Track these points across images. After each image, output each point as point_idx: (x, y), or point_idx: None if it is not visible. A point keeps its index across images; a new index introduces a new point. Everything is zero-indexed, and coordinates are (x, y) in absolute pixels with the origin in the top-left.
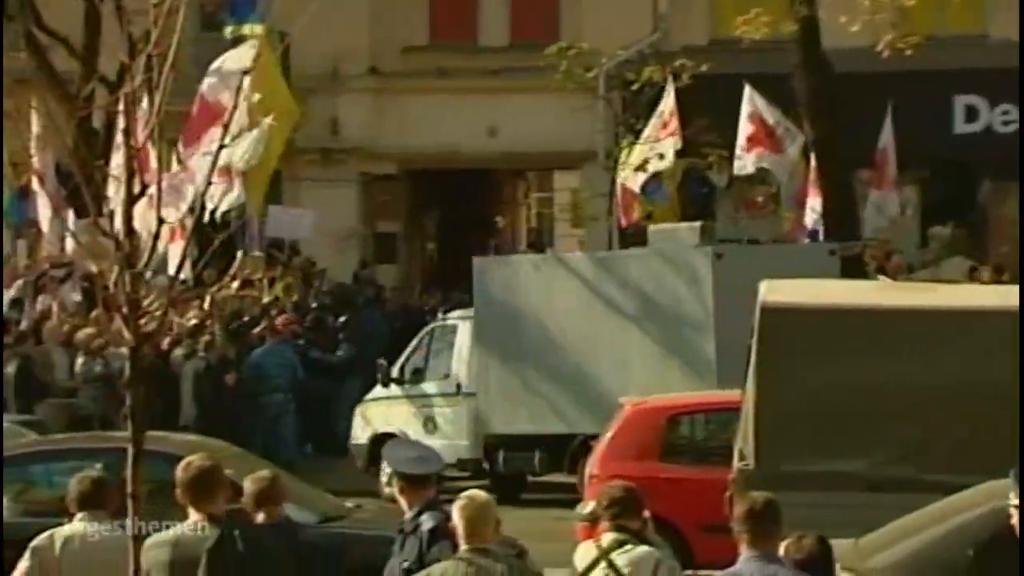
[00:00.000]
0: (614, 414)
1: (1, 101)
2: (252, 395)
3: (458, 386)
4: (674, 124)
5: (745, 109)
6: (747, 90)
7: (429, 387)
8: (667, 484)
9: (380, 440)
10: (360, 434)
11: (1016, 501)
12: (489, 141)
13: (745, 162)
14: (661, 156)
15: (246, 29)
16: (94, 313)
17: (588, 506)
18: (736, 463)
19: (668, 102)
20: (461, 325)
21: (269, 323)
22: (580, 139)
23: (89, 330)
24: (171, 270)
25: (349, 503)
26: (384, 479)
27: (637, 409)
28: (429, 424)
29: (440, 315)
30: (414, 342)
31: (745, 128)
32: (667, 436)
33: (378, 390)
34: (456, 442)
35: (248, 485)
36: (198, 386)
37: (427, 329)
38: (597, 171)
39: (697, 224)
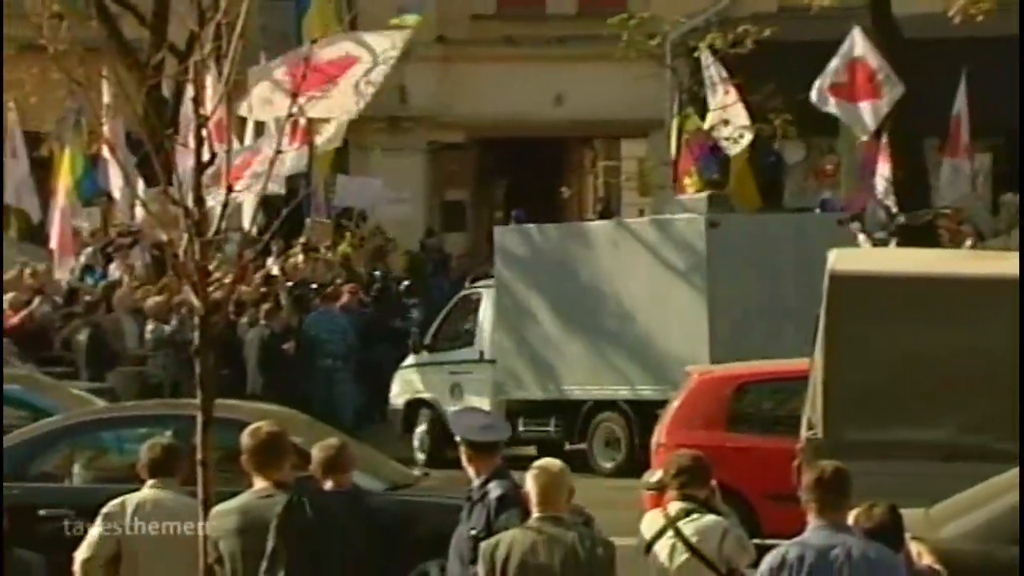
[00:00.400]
0: (681, 382)
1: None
2: (308, 362)
3: (481, 353)
4: (732, 93)
5: (844, 50)
6: (855, 32)
7: (455, 354)
8: (734, 453)
9: (414, 405)
10: (396, 400)
11: None
12: (556, 109)
13: (822, 101)
14: (726, 122)
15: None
16: (164, 280)
17: (655, 475)
18: (804, 432)
19: (717, 70)
20: (486, 294)
21: (327, 290)
22: (647, 107)
23: (158, 298)
24: (245, 223)
25: (416, 471)
26: (416, 444)
27: (704, 378)
28: (456, 390)
29: (467, 284)
30: (444, 310)
31: (836, 71)
32: (735, 405)
33: (413, 357)
34: (475, 411)
35: (316, 452)
36: (263, 354)
37: (456, 297)
38: (663, 139)
39: (704, 194)
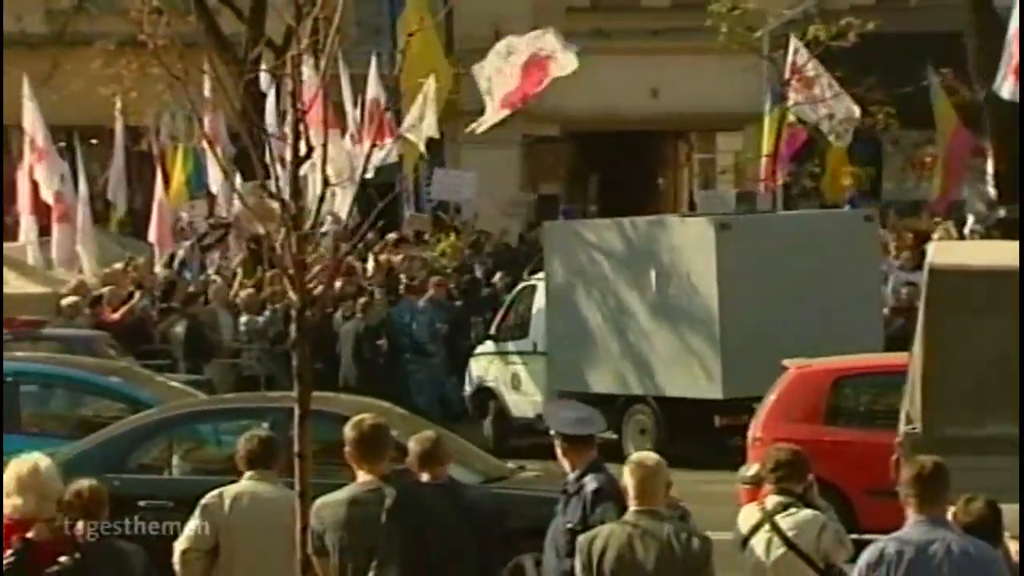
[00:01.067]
0: (778, 376)
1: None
2: (394, 355)
3: (534, 344)
4: (828, 86)
5: (1013, 27)
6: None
7: (513, 345)
8: (832, 447)
9: (481, 392)
10: (467, 387)
11: None
12: (651, 102)
13: (1003, 87)
14: (831, 116)
15: None
16: (267, 274)
17: (752, 469)
18: (903, 427)
19: (808, 60)
20: (540, 286)
21: (414, 283)
22: (743, 100)
23: (250, 290)
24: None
25: (511, 464)
26: (485, 433)
27: (802, 372)
28: (515, 380)
29: (525, 275)
30: (507, 301)
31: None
32: (832, 399)
33: (482, 346)
34: (535, 398)
35: (413, 445)
36: (357, 347)
37: (517, 289)
38: (759, 132)
39: (732, 191)
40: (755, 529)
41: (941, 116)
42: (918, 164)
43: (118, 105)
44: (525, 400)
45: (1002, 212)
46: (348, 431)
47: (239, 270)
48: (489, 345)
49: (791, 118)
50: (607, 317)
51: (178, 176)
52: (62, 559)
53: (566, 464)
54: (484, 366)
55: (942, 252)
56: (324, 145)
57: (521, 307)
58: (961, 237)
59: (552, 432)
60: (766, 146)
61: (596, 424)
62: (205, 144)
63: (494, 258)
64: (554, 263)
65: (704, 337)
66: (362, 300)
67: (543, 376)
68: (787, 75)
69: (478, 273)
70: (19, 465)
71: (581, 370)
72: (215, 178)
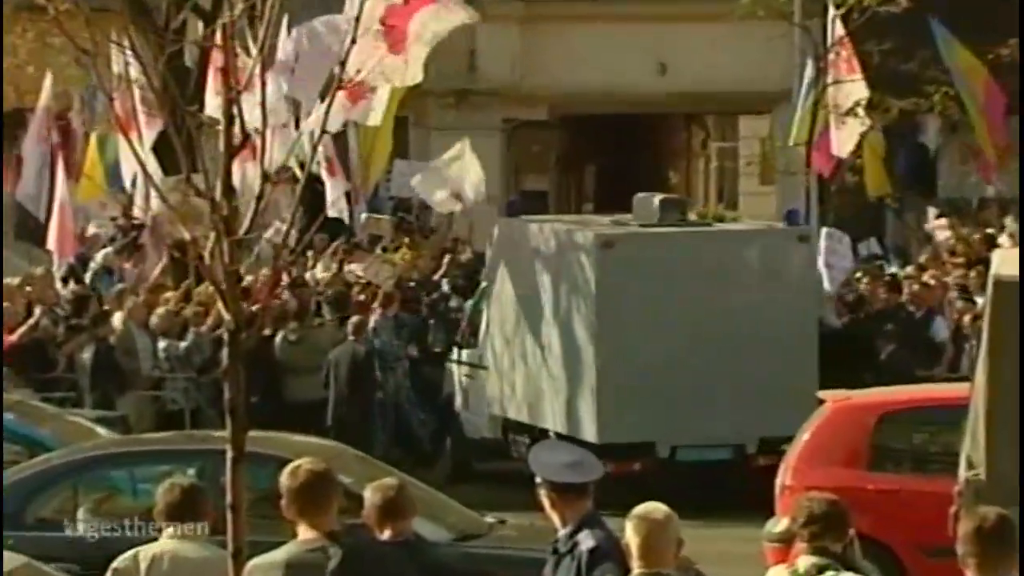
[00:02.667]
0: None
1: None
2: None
3: (480, 356)
4: (852, 62)
5: None
6: None
7: (467, 355)
8: (878, 497)
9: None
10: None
11: None
12: (659, 80)
13: None
14: (856, 104)
15: None
16: (199, 288)
17: (781, 523)
18: (963, 472)
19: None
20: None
21: (372, 299)
22: (771, 77)
23: (165, 308)
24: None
25: (490, 517)
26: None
27: (840, 406)
28: (466, 395)
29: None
30: (468, 306)
31: None
32: (877, 438)
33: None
34: (483, 418)
35: (370, 495)
36: (354, 377)
37: (479, 289)
38: (791, 115)
39: (657, 197)
40: None
41: (967, 71)
42: (978, 154)
43: (47, 82)
44: (475, 418)
45: None
46: (284, 479)
47: (169, 281)
48: (457, 353)
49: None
50: (532, 334)
51: (88, 170)
52: None
53: (555, 518)
54: (451, 376)
55: (1007, 262)
56: (263, 132)
57: (475, 312)
58: None
59: (538, 480)
60: (797, 133)
61: (590, 470)
62: (118, 131)
63: (466, 270)
64: (498, 266)
65: (582, 371)
66: (355, 319)
67: (486, 393)
68: (830, 42)
69: (445, 288)
70: None
71: (512, 393)
72: (130, 172)
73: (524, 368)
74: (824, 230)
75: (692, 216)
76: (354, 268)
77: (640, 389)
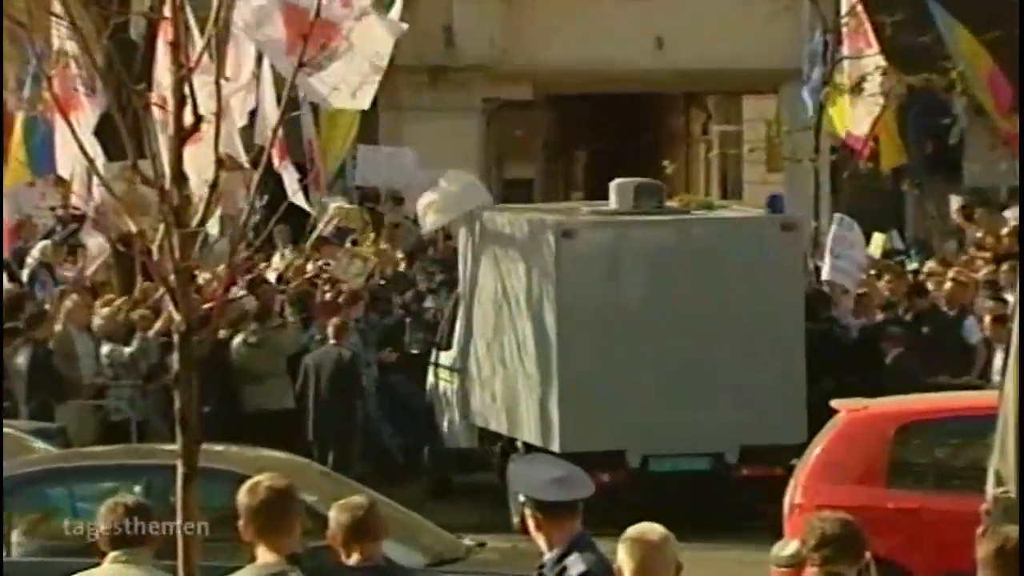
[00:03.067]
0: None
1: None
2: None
3: (453, 359)
4: (867, 35)
5: None
6: None
7: (444, 357)
8: (897, 516)
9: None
10: None
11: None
12: (655, 56)
13: None
14: (885, 70)
15: None
16: (142, 286)
17: (790, 546)
18: (991, 489)
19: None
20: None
21: (338, 298)
22: (777, 53)
23: (106, 309)
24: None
25: (468, 539)
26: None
27: (856, 416)
28: (441, 401)
29: None
30: (448, 305)
31: None
32: (896, 452)
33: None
34: (456, 428)
35: (337, 515)
36: (334, 385)
37: (454, 294)
38: (801, 95)
39: (632, 181)
40: None
41: (970, 57)
42: (1012, 138)
43: None
44: (454, 427)
45: None
46: (242, 497)
47: (113, 278)
48: (435, 355)
49: (841, 78)
50: (497, 334)
51: (15, 153)
52: None
53: (541, 541)
54: (431, 379)
55: None
56: (217, 114)
57: (453, 311)
58: None
59: (521, 499)
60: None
61: (579, 486)
62: (56, 112)
63: (443, 265)
64: (466, 261)
65: (546, 374)
66: (335, 320)
67: (461, 397)
68: (843, 12)
69: (421, 286)
70: None
71: (483, 399)
72: (67, 158)
73: (492, 372)
74: (835, 216)
75: (676, 203)
76: (323, 264)
77: (606, 393)
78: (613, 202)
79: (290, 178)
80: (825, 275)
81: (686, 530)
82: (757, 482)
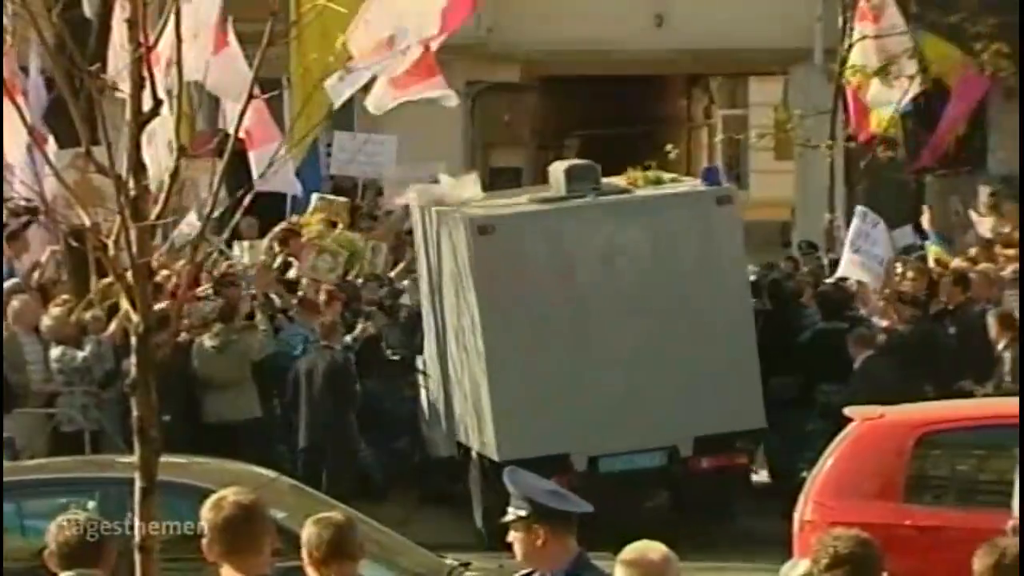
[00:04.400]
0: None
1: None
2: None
3: (424, 363)
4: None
5: None
6: None
7: (419, 360)
8: (916, 534)
9: None
10: None
11: None
12: (655, 34)
13: None
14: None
15: None
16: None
17: (800, 566)
18: (1017, 504)
19: None
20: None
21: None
22: (787, 32)
23: (56, 310)
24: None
25: (451, 560)
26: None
27: (871, 425)
28: (423, 407)
29: None
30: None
31: None
32: (916, 465)
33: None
34: (433, 434)
35: (312, 531)
36: (327, 392)
37: None
38: (813, 77)
39: (564, 164)
40: None
41: (939, 59)
42: None
43: None
44: (435, 436)
45: None
46: (206, 513)
47: (65, 276)
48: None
49: (855, 59)
50: (439, 337)
51: None
52: None
53: (540, 559)
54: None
55: None
56: (179, 97)
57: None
58: None
59: (523, 512)
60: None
61: (579, 501)
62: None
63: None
64: (418, 257)
65: (479, 378)
66: (325, 320)
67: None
68: None
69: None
70: None
71: (444, 405)
72: (12, 143)
73: (444, 377)
74: (857, 208)
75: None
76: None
77: (542, 394)
78: (551, 188)
79: (260, 162)
80: (840, 271)
81: (661, 536)
82: (722, 472)
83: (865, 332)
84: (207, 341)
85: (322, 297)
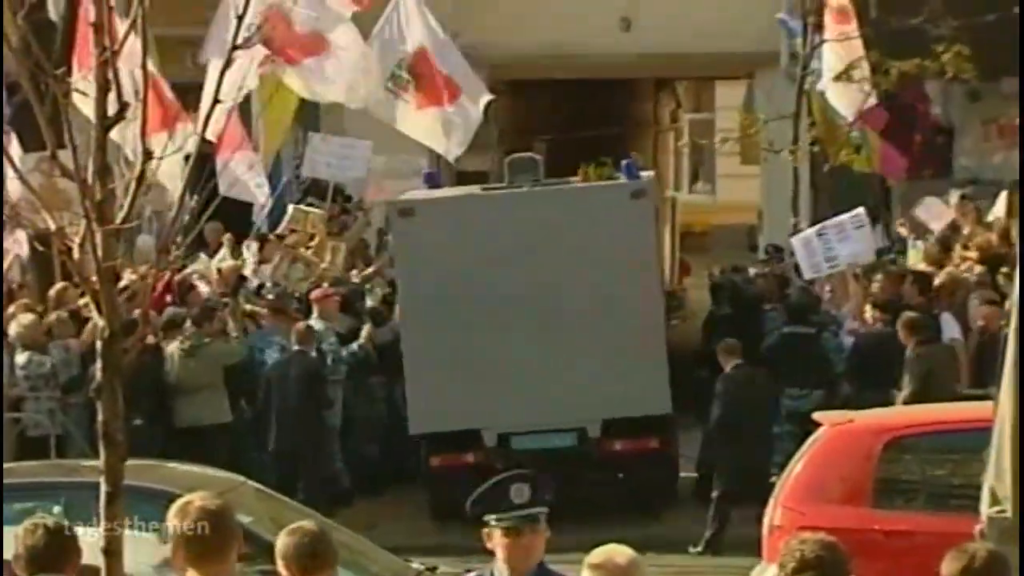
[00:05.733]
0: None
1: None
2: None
3: None
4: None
5: None
6: None
7: None
8: (885, 539)
9: None
10: None
11: None
12: (621, 38)
13: None
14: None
15: None
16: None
17: (768, 571)
18: (986, 508)
19: None
20: None
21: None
22: (753, 36)
23: (24, 316)
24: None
25: (417, 564)
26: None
27: (839, 430)
28: None
29: None
30: None
31: None
32: (885, 468)
33: None
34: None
35: (283, 541)
36: (302, 396)
37: None
38: (778, 81)
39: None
40: None
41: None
42: (1004, 130)
43: None
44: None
45: None
46: (171, 518)
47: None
48: None
49: (820, 64)
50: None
51: None
52: None
53: (503, 564)
54: None
55: None
56: (144, 99)
57: None
58: None
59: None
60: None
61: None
62: None
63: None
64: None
65: (405, 352)
66: (300, 326)
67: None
68: None
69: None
70: None
71: None
72: None
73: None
74: (858, 209)
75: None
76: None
77: (454, 372)
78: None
79: (233, 171)
80: (794, 240)
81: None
82: (629, 456)
83: (732, 342)
84: (179, 345)
85: (315, 295)
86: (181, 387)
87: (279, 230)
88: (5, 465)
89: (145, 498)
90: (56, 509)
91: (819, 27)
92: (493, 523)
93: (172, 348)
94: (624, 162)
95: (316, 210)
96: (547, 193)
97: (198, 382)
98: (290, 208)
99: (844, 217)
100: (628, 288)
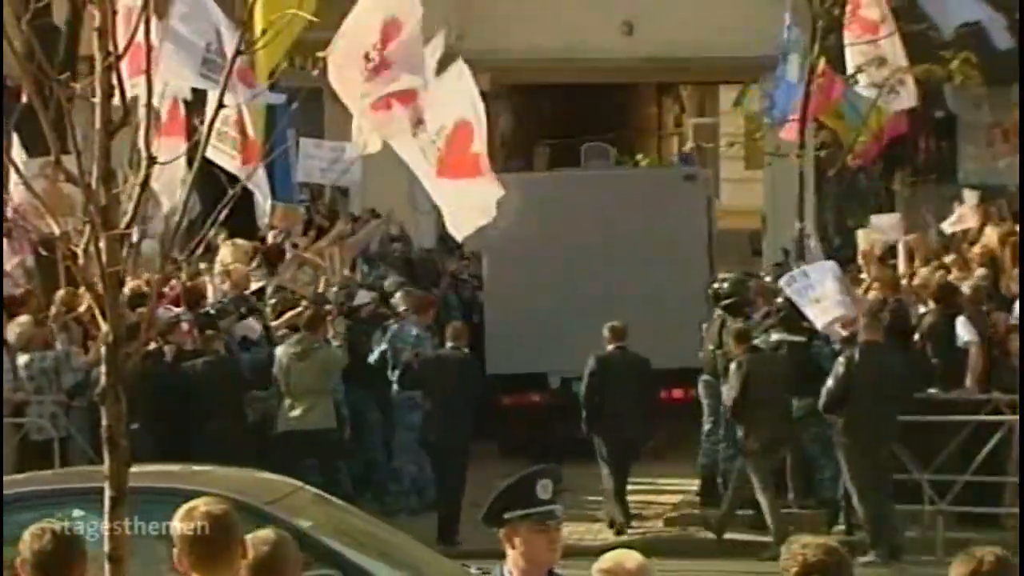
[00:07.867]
0: None
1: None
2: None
3: None
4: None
5: None
6: None
7: None
8: None
9: None
10: None
11: None
12: (625, 43)
13: None
14: (882, 61)
15: None
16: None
17: None
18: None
19: None
20: None
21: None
22: (758, 39)
23: (23, 319)
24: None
25: (475, 569)
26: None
27: None
28: None
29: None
30: None
31: None
32: None
33: None
34: None
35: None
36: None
37: None
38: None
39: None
40: None
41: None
42: (1007, 132)
43: None
44: None
45: None
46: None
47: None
48: None
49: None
50: None
51: None
52: None
53: (521, 560)
54: None
55: None
56: (148, 104)
57: None
58: None
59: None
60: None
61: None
62: None
63: (407, 268)
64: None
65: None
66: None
67: None
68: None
69: (365, 298)
70: None
71: None
72: None
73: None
74: (787, 276)
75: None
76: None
77: (527, 322)
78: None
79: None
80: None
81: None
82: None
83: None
84: (288, 350)
85: (418, 302)
86: (290, 391)
87: (263, 231)
88: (31, 474)
89: (161, 503)
90: (66, 516)
91: (830, 30)
92: (519, 518)
93: (281, 351)
94: (682, 152)
95: (299, 208)
96: (615, 175)
97: (307, 386)
98: (268, 204)
99: (792, 288)
100: (679, 251)
